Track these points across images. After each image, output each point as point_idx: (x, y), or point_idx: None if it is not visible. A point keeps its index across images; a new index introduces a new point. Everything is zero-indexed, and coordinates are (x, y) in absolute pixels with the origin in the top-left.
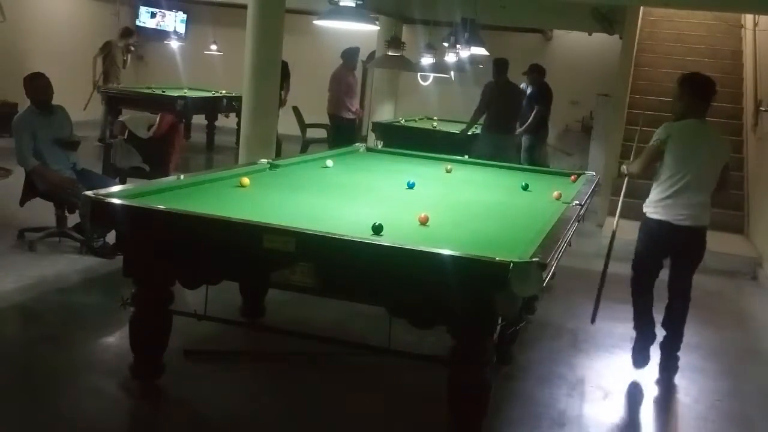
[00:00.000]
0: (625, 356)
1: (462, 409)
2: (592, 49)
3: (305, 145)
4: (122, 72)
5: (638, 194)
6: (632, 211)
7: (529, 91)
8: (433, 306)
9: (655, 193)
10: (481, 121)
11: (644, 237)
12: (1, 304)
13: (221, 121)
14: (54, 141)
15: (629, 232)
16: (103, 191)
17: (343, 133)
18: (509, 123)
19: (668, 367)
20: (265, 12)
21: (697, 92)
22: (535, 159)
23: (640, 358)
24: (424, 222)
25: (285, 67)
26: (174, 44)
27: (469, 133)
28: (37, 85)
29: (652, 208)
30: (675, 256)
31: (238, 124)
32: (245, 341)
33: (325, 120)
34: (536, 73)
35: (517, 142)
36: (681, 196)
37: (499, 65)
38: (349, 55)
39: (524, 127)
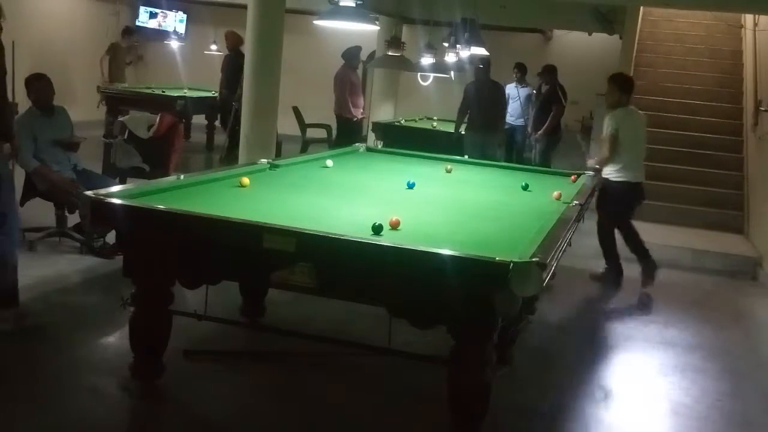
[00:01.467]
0: (626, 356)
1: (462, 409)
2: (592, 49)
3: (305, 145)
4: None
5: None
6: None
7: (522, 90)
8: (433, 306)
9: (615, 164)
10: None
11: (613, 194)
12: None
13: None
14: (55, 142)
15: None
16: (103, 191)
17: (349, 133)
18: (493, 121)
19: (648, 268)
20: (265, 12)
21: (624, 86)
22: (549, 160)
23: (612, 286)
24: (395, 226)
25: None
26: (174, 44)
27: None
28: (39, 87)
29: (615, 174)
30: (629, 204)
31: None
32: (245, 341)
33: (325, 120)
34: (550, 73)
35: (521, 139)
36: (632, 163)
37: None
38: (351, 55)
39: (543, 128)
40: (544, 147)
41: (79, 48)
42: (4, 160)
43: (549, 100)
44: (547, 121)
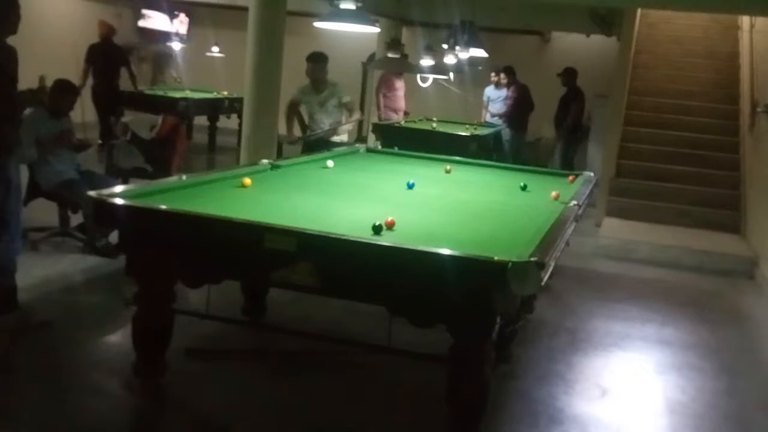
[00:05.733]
0: (623, 354)
1: (461, 407)
2: (590, 50)
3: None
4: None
5: (630, 193)
6: (625, 211)
7: (501, 92)
8: (433, 305)
9: None
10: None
11: None
12: None
13: (223, 122)
14: (63, 139)
15: (625, 232)
16: (105, 191)
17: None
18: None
19: None
20: (266, 14)
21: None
22: (572, 161)
23: None
24: (390, 226)
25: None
26: (176, 46)
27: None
28: (70, 100)
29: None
30: None
31: (240, 125)
32: (247, 340)
33: None
34: (570, 75)
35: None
36: None
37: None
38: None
39: (566, 122)
40: (566, 148)
41: (81, 50)
42: (16, 165)
43: (566, 101)
44: (568, 117)
